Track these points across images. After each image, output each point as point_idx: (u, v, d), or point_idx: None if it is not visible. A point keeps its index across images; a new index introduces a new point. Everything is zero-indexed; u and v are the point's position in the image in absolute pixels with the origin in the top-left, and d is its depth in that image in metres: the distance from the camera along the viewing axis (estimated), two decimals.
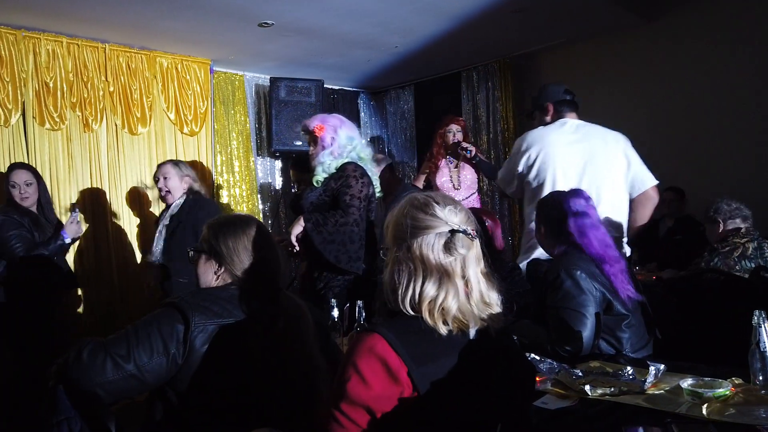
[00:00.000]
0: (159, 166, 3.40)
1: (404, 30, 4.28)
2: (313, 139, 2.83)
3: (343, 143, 2.79)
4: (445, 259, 1.14)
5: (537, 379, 1.66)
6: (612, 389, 1.53)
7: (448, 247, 1.14)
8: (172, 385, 1.56)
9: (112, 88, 4.23)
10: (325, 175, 2.75)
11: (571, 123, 2.81)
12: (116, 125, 4.29)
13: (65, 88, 4.00)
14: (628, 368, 1.68)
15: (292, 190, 4.95)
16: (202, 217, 2.96)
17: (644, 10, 4.31)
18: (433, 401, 1.06)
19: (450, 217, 1.17)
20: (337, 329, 2.26)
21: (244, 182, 5.12)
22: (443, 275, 1.13)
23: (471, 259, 1.16)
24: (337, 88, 5.83)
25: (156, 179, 3.35)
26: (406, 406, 1.06)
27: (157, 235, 3.24)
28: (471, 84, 5.35)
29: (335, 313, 2.29)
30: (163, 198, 3.35)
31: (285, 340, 1.57)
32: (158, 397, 1.62)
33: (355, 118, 6.09)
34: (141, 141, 4.41)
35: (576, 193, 2.12)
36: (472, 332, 1.14)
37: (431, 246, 1.14)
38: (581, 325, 1.89)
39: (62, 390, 1.56)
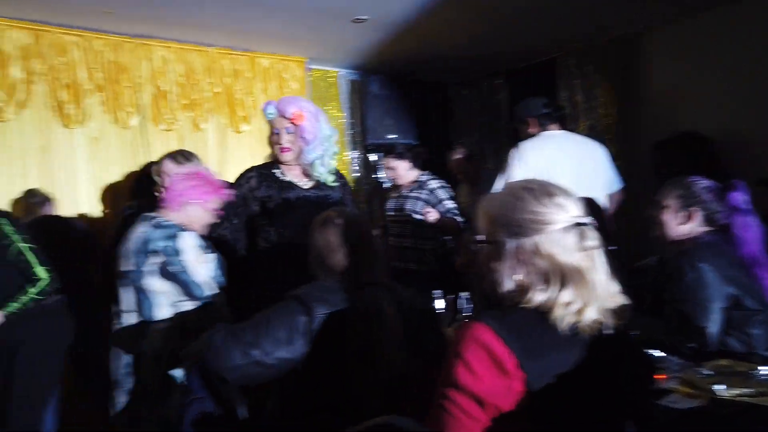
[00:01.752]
0: (159, 163, 3.18)
1: (497, 17, 4.20)
2: (284, 126, 2.51)
3: (326, 138, 2.58)
4: (575, 255, 1.07)
5: (661, 377, 1.58)
6: (749, 390, 1.44)
7: (577, 241, 1.07)
8: (293, 373, 1.63)
9: (217, 89, 4.47)
10: (332, 177, 2.64)
11: (558, 133, 3.09)
12: (222, 124, 4.52)
13: (177, 91, 4.27)
14: (763, 368, 1.57)
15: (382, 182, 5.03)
16: None
17: None
18: (548, 397, 1.02)
19: (573, 209, 1.10)
20: (442, 320, 2.27)
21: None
22: (576, 274, 1.06)
23: (596, 252, 1.10)
24: (428, 81, 5.81)
25: (161, 179, 3.20)
26: (519, 399, 1.02)
27: None
28: (567, 70, 5.15)
29: (439, 303, 2.30)
30: None
31: (378, 332, 1.60)
32: (280, 383, 1.70)
33: (445, 111, 6.06)
34: (244, 138, 4.63)
35: (739, 187, 1.99)
36: (592, 328, 1.08)
37: (558, 242, 1.07)
38: (705, 319, 1.78)
39: (195, 372, 1.68)
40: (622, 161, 4.74)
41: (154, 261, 2.17)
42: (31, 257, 2.47)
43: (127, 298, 2.24)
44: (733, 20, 4.28)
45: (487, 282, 1.14)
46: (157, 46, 4.20)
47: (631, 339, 1.24)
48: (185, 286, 2.20)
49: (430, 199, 3.48)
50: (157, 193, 3.21)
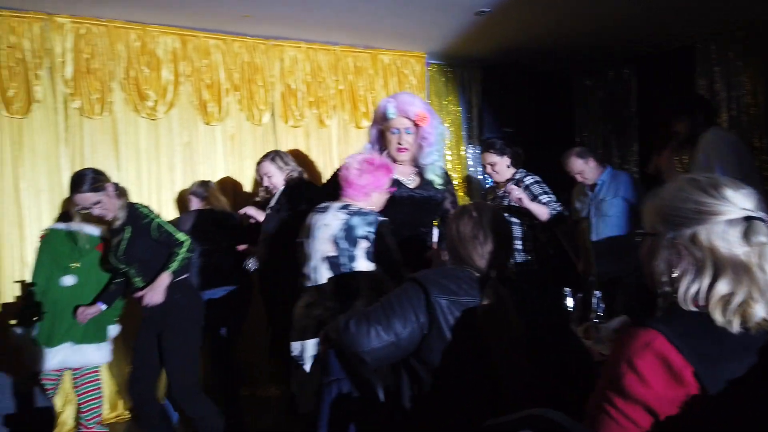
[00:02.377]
0: (259, 164, 3.45)
1: (626, 2, 3.97)
2: (405, 126, 2.51)
3: (441, 141, 2.59)
4: (740, 249, 1.00)
5: None
6: None
7: (745, 236, 1.01)
8: (415, 355, 1.68)
9: (341, 87, 4.63)
10: (440, 180, 2.63)
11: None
12: (344, 120, 4.69)
13: (304, 89, 4.49)
14: None
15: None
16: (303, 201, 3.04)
17: None
18: (729, 406, 0.96)
19: (743, 202, 1.03)
20: (572, 319, 2.22)
21: (455, 170, 5.24)
22: (739, 269, 1.00)
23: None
24: (549, 72, 5.62)
25: (260, 178, 3.45)
26: (694, 409, 0.97)
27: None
28: (707, 57, 4.75)
29: (570, 302, 2.25)
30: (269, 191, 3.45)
31: (485, 328, 1.59)
32: (404, 367, 1.75)
33: (567, 103, 5.84)
34: (365, 134, 4.75)
35: None
36: None
37: (722, 235, 1.01)
38: None
39: (333, 354, 1.77)
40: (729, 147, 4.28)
41: (362, 246, 2.28)
42: (169, 227, 2.88)
43: (326, 279, 2.33)
44: None
45: (646, 277, 1.10)
46: (288, 47, 4.43)
47: None
48: (389, 266, 2.30)
49: (526, 196, 3.38)
50: (262, 193, 3.47)
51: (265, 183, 3.42)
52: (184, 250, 2.84)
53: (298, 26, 4.19)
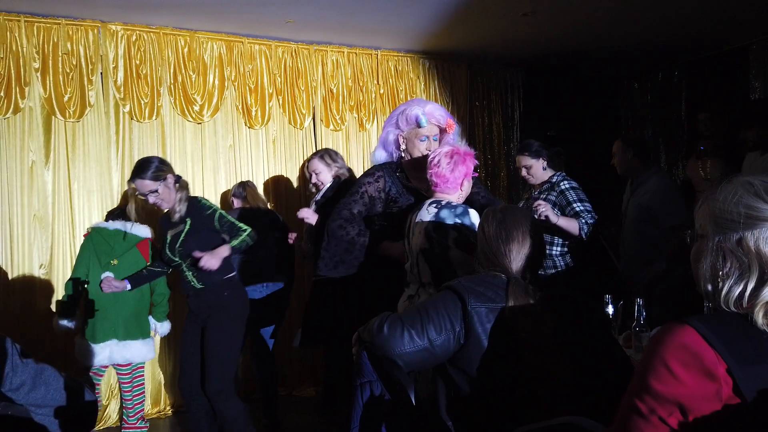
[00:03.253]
0: (308, 161, 3.55)
1: (675, 3, 3.85)
2: (434, 133, 2.53)
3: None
4: None
5: None
6: None
7: None
8: (453, 363, 1.66)
9: (382, 91, 4.66)
10: None
11: None
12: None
13: (345, 93, 4.54)
14: None
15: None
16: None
17: None
18: (763, 409, 0.93)
19: None
20: (612, 326, 2.16)
21: (497, 174, 5.19)
22: None
23: None
24: (594, 75, 5.51)
25: (309, 175, 3.51)
26: (727, 409, 0.94)
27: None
28: (763, 59, 4.56)
29: (610, 309, 2.19)
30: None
31: (515, 330, 1.56)
32: (440, 373, 1.74)
33: (613, 107, 5.70)
34: None
35: None
36: None
37: None
38: None
39: (365, 356, 1.77)
40: None
41: (452, 236, 2.30)
42: (232, 218, 2.92)
43: (425, 271, 2.36)
44: None
45: (695, 279, 1.09)
46: (330, 51, 4.49)
47: None
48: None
49: (559, 202, 3.20)
50: (312, 190, 3.53)
51: (313, 180, 3.47)
52: (247, 233, 2.87)
53: (341, 31, 4.24)
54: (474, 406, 1.64)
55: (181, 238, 2.85)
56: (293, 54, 4.37)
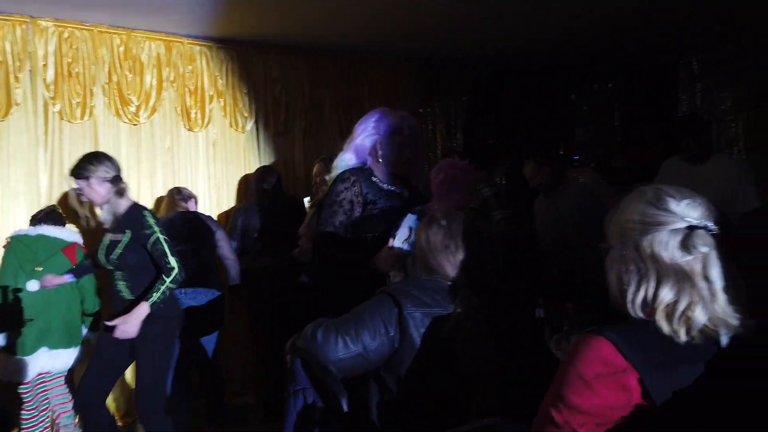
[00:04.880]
0: (315, 163, 3.78)
1: (614, 21, 4.03)
2: (407, 140, 2.59)
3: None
4: (682, 258, 1.02)
5: None
6: None
7: (686, 245, 1.02)
8: (387, 367, 1.67)
9: (325, 93, 4.65)
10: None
11: None
12: (340, 127, 4.70)
13: (290, 98, 4.50)
14: None
15: None
16: None
17: None
18: (672, 414, 0.97)
19: (687, 212, 1.05)
20: (544, 330, 2.22)
21: None
22: (681, 277, 1.02)
23: (714, 258, 1.04)
24: (537, 84, 5.65)
25: (313, 181, 3.70)
26: (639, 416, 0.98)
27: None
28: (690, 73, 4.82)
29: (541, 312, 2.24)
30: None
31: (455, 336, 1.59)
32: (374, 377, 1.74)
33: (553, 115, 5.87)
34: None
35: None
36: (723, 340, 1.02)
37: (665, 244, 1.03)
38: None
39: (299, 363, 1.76)
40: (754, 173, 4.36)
41: None
42: (167, 247, 2.66)
43: None
44: None
45: (610, 291, 1.13)
46: (274, 54, 4.43)
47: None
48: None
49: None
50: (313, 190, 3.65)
51: (315, 182, 3.68)
52: (170, 279, 2.63)
53: (283, 32, 4.20)
54: (407, 410, 1.65)
55: (119, 250, 2.68)
56: (235, 57, 4.29)
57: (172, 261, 2.66)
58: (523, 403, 1.55)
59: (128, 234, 2.67)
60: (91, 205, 2.93)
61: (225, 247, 3.62)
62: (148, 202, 4.01)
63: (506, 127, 5.19)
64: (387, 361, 1.66)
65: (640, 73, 5.22)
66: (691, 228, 1.04)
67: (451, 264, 1.73)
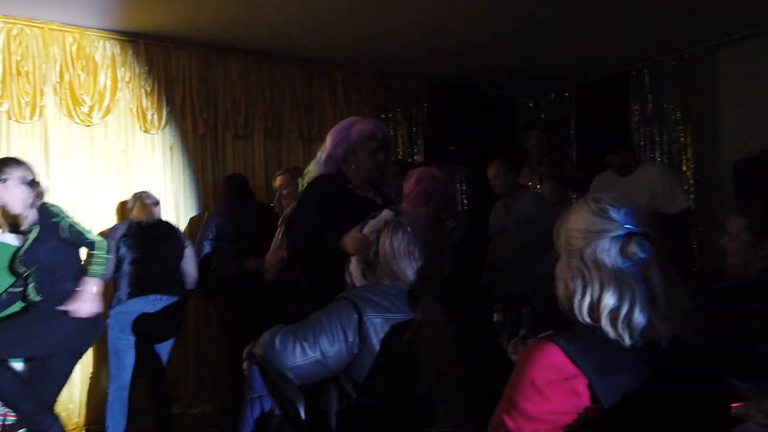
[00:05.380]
0: (277, 175, 3.73)
1: (567, 31, 4.14)
2: (381, 147, 2.67)
3: None
4: (623, 264, 1.07)
5: (733, 404, 1.50)
6: None
7: (626, 251, 1.07)
8: (347, 373, 1.66)
9: (287, 99, 4.60)
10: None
11: None
12: (294, 134, 4.66)
13: (250, 102, 4.44)
14: None
15: None
16: None
17: None
18: (620, 416, 1.00)
19: (626, 219, 1.10)
20: (501, 334, 2.25)
21: None
22: (623, 282, 1.06)
23: (653, 263, 1.08)
24: (494, 92, 5.76)
25: (276, 191, 3.68)
26: (589, 420, 1.01)
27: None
28: (641, 84, 4.98)
29: (497, 317, 2.28)
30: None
31: (416, 345, 1.60)
32: (334, 383, 1.73)
33: (511, 123, 5.99)
34: (315, 147, 4.71)
35: None
36: (664, 342, 1.06)
37: (607, 251, 1.07)
38: None
39: (256, 370, 1.74)
40: (699, 180, 4.56)
41: None
42: (81, 227, 2.64)
43: None
44: None
45: (558, 298, 1.16)
46: (235, 57, 4.37)
47: (711, 358, 1.19)
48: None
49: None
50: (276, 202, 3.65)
51: (279, 193, 3.66)
52: (100, 251, 2.60)
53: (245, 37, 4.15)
54: (366, 417, 1.64)
55: (26, 246, 2.61)
56: (194, 60, 4.22)
57: (91, 235, 2.65)
58: (485, 409, 1.57)
59: (36, 230, 2.62)
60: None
61: (191, 264, 3.56)
62: (101, 206, 3.90)
63: (466, 135, 5.25)
64: (347, 367, 1.65)
65: (595, 82, 5.37)
66: (631, 235, 1.08)
67: (413, 270, 1.74)
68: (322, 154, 2.69)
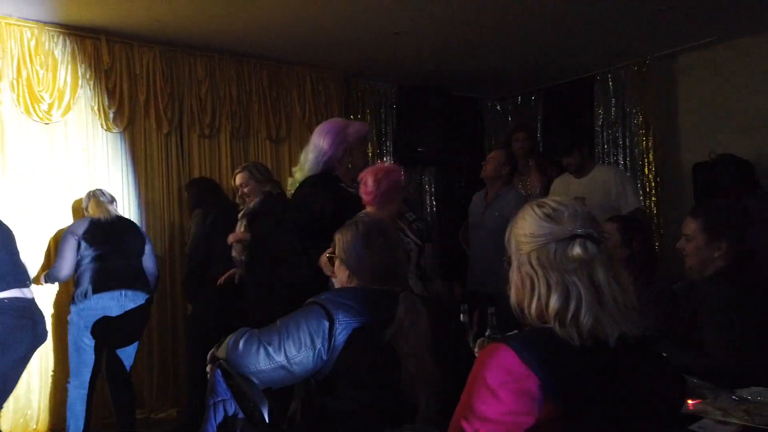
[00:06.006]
0: (235, 174, 3.64)
1: (533, 35, 4.20)
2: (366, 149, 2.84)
3: None
4: (569, 266, 1.09)
5: (691, 401, 1.54)
6: None
7: (570, 253, 1.09)
8: (316, 378, 1.64)
9: (254, 99, 4.55)
10: None
11: None
12: (258, 134, 4.61)
13: (215, 100, 4.38)
14: None
15: None
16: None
17: None
18: (571, 414, 1.02)
19: (571, 222, 1.12)
20: (467, 334, 2.26)
21: None
22: (569, 283, 1.08)
23: (599, 264, 1.10)
24: (462, 95, 5.80)
25: (236, 188, 3.61)
26: (544, 421, 1.01)
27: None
28: (605, 89, 5.08)
29: (464, 318, 2.29)
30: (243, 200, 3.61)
31: (398, 342, 1.59)
32: (304, 387, 1.71)
33: (478, 126, 6.04)
34: (282, 149, 4.74)
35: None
36: (611, 341, 1.08)
37: (552, 254, 1.10)
38: (740, 344, 1.73)
39: (219, 374, 1.70)
40: (659, 184, 4.68)
41: None
42: None
43: None
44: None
45: (510, 300, 1.18)
46: (200, 56, 4.31)
47: (659, 355, 1.22)
48: None
49: None
50: (239, 200, 3.56)
51: (239, 192, 3.56)
52: None
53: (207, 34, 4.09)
54: (335, 422, 1.62)
55: None
56: (157, 56, 4.13)
57: None
58: (448, 412, 1.57)
59: None
60: None
61: (151, 261, 3.51)
62: (60, 205, 3.78)
63: (434, 137, 5.27)
64: (315, 373, 1.63)
65: (561, 86, 5.46)
66: (575, 237, 1.10)
67: (379, 269, 1.73)
68: (316, 154, 2.71)
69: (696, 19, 3.98)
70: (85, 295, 3.20)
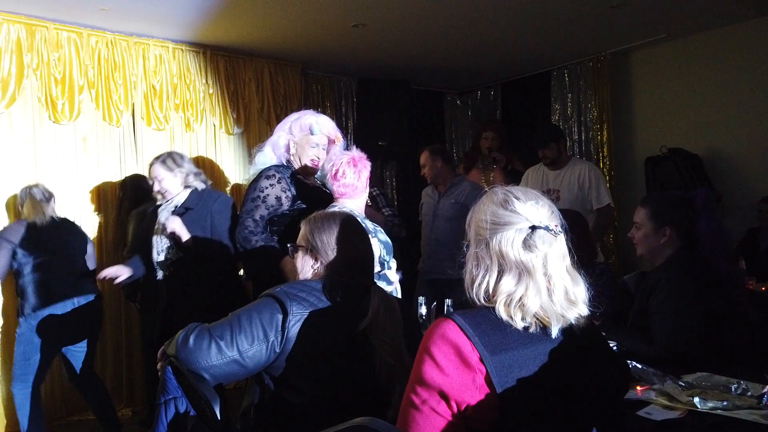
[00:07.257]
0: (150, 167, 3.11)
1: (492, 30, 4.23)
2: (323, 142, 2.79)
3: None
4: (524, 255, 1.11)
5: (639, 387, 1.58)
6: (725, 403, 1.43)
7: (528, 243, 1.12)
8: (269, 371, 1.62)
9: (211, 90, 4.46)
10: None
11: None
12: (214, 125, 4.52)
13: (170, 91, 4.26)
14: (740, 381, 1.56)
15: None
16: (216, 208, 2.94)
17: (759, 1, 3.99)
18: (511, 393, 1.05)
19: (531, 213, 1.14)
20: (424, 326, 2.27)
21: None
22: (523, 271, 1.11)
23: (554, 256, 1.13)
24: (422, 89, 5.82)
25: (151, 181, 3.07)
26: (482, 394, 1.05)
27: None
28: (562, 84, 5.18)
29: (423, 310, 2.30)
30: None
31: (373, 332, 1.59)
32: (257, 382, 1.68)
33: (439, 119, 6.08)
34: (236, 140, 4.63)
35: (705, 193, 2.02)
36: (555, 330, 1.11)
37: (510, 242, 1.12)
38: (688, 331, 1.78)
39: (170, 371, 1.66)
40: (614, 177, 4.80)
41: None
42: None
43: None
44: (716, 43, 4.38)
45: (465, 284, 1.19)
46: (153, 45, 4.19)
47: (604, 344, 1.25)
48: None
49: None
50: (158, 196, 3.06)
51: (156, 187, 3.03)
52: None
53: (163, 23, 3.97)
54: (291, 416, 1.60)
55: None
56: (109, 44, 4.00)
57: None
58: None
59: None
60: None
61: (92, 262, 3.38)
62: (2, 202, 3.62)
63: (394, 130, 5.26)
64: (272, 365, 1.60)
65: (519, 81, 5.53)
66: (534, 228, 1.13)
67: (337, 263, 1.71)
68: (270, 144, 2.79)
69: (648, 16, 4.08)
70: (34, 310, 3.08)
